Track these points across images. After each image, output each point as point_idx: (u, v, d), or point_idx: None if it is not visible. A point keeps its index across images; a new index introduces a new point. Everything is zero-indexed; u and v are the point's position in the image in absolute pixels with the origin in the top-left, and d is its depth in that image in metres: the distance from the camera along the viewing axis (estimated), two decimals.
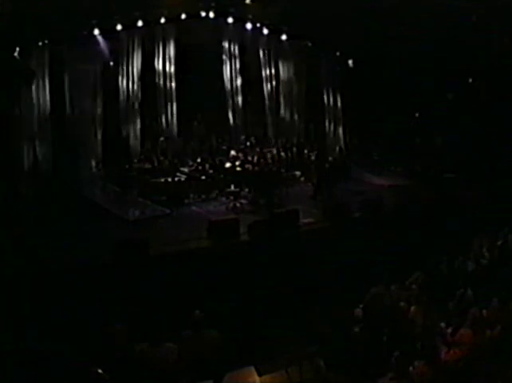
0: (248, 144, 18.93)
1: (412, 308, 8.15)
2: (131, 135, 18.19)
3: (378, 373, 6.54)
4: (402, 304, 8.39)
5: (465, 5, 15.07)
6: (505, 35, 15.93)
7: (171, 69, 18.82)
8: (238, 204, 15.63)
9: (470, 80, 18.77)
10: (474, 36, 15.90)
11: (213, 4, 17.57)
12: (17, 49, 15.14)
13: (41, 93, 16.43)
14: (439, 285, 9.26)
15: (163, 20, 17.52)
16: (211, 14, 17.74)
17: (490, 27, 15.81)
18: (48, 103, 16.58)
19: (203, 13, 17.68)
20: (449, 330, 7.36)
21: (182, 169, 17.05)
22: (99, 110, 17.56)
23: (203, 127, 19.37)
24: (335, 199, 15.91)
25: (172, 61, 18.80)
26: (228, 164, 17.13)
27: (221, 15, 18.21)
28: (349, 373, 7.26)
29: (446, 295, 8.61)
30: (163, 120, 19.05)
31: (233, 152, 18.07)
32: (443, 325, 7.55)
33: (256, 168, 17.01)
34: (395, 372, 6.29)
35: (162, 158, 17.12)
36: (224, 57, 19.87)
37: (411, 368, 6.32)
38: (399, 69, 18.04)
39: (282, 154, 18.64)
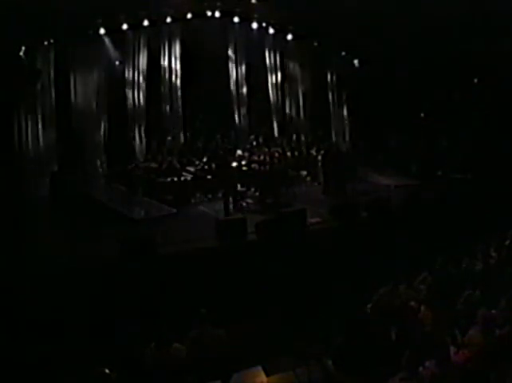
0: (254, 143, 18.90)
1: (422, 308, 8.12)
2: (137, 134, 18.22)
3: (387, 374, 6.51)
4: (412, 304, 8.36)
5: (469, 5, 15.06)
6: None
7: (176, 68, 18.83)
8: (244, 204, 15.61)
9: (476, 80, 18.74)
10: (480, 35, 15.86)
11: (219, 3, 17.59)
12: (23, 48, 15.20)
13: (47, 92, 16.48)
14: (447, 285, 9.21)
15: (168, 19, 17.55)
16: (217, 14, 17.77)
17: (494, 27, 15.77)
18: (53, 102, 16.64)
19: (209, 13, 17.71)
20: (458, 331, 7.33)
21: (188, 168, 17.02)
22: (104, 109, 17.61)
23: (208, 126, 19.36)
24: (342, 199, 15.86)
25: (178, 60, 18.80)
26: (234, 164, 17.11)
27: (227, 14, 18.23)
28: (358, 373, 7.23)
29: (454, 296, 8.56)
30: (169, 119, 19.09)
31: (239, 152, 18.04)
32: (454, 326, 7.51)
33: (262, 168, 16.99)
34: (405, 372, 6.26)
35: (169, 158, 17.08)
36: (230, 56, 19.85)
37: (421, 368, 6.30)
38: (405, 69, 18.01)
39: (288, 153, 18.63)
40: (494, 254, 10.69)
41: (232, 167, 16.35)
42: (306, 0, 16.14)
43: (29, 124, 16.16)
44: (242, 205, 15.51)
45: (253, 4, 17.61)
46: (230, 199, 15.33)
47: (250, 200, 15.86)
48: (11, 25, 13.20)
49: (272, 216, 13.91)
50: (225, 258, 12.29)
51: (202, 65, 18.92)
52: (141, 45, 18.02)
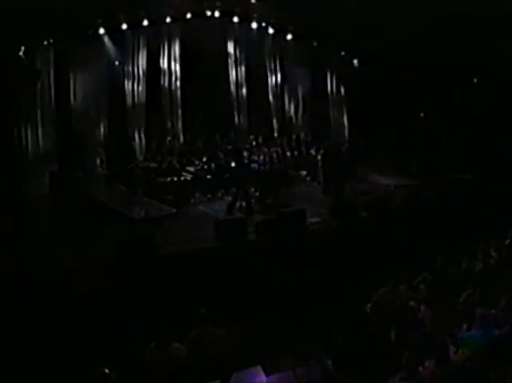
0: (254, 143, 18.89)
1: (422, 308, 8.12)
2: (137, 134, 18.22)
3: (387, 374, 6.51)
4: (411, 304, 8.36)
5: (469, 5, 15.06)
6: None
7: (176, 68, 18.80)
8: (244, 203, 15.58)
9: (476, 80, 18.74)
10: (480, 35, 15.85)
11: (218, 3, 17.58)
12: (23, 48, 15.19)
13: (47, 92, 16.49)
14: (447, 285, 9.21)
15: (168, 19, 17.55)
16: (217, 14, 17.77)
17: (494, 27, 15.77)
18: (53, 102, 16.65)
19: (209, 13, 17.70)
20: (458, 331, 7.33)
21: (188, 168, 17.01)
22: (104, 109, 17.63)
23: (208, 126, 19.34)
24: (342, 199, 15.85)
25: (177, 60, 18.78)
26: (234, 164, 17.08)
27: (226, 14, 18.22)
28: (358, 373, 7.23)
29: (454, 296, 8.56)
30: (169, 119, 19.08)
31: None
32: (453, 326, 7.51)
33: (262, 168, 16.98)
34: (405, 372, 6.26)
35: (169, 158, 17.07)
36: (230, 56, 19.82)
37: (421, 368, 6.30)
38: (405, 69, 18.00)
39: (288, 154, 18.63)
40: (494, 254, 10.69)
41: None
42: (306, 0, 16.13)
43: (29, 123, 16.17)
44: (241, 205, 15.43)
45: (252, 4, 17.58)
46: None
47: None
48: (11, 25, 13.19)
49: (272, 216, 13.90)
50: (225, 258, 12.28)
51: (202, 65, 18.90)
52: (141, 45, 18.01)
